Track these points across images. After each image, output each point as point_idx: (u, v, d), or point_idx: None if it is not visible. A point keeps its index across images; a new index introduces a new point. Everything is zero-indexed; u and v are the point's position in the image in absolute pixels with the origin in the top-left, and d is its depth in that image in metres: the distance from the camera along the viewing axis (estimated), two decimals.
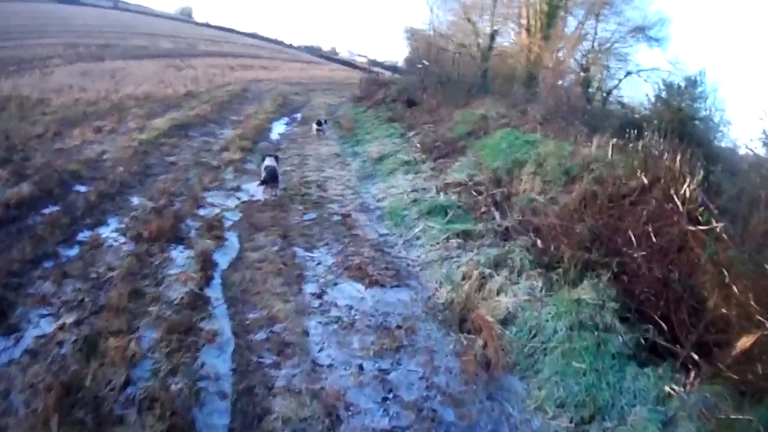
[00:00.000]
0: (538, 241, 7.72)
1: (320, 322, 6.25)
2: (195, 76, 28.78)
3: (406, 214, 10.00)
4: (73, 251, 7.13)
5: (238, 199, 10.43)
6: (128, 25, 55.14)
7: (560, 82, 24.17)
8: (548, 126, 14.05)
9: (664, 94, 16.27)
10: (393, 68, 78.04)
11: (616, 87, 24.67)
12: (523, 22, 24.77)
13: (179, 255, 7.44)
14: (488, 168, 11.66)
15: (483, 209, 9.65)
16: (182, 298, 6.24)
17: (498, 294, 6.75)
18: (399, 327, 6.32)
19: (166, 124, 15.72)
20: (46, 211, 8.26)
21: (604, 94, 24.82)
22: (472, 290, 6.87)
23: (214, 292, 6.64)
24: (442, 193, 10.74)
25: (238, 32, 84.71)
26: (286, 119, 22.19)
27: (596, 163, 9.53)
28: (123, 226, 8.13)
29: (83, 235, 7.63)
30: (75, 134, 12.87)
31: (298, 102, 28.37)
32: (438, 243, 8.55)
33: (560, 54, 25.19)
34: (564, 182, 9.74)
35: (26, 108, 14.99)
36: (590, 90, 25.07)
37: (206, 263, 7.24)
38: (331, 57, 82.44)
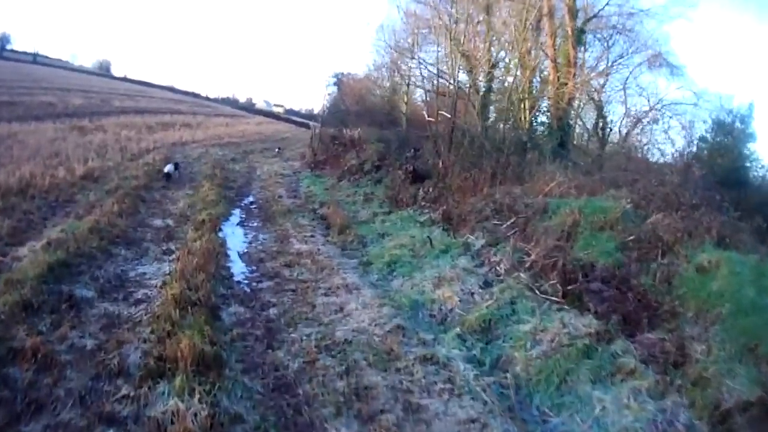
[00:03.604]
0: None
1: None
2: (103, 143, 19.39)
3: None
4: None
5: None
6: (41, 79, 44.62)
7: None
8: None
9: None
10: (309, 116, 71.36)
11: (637, 126, 18.58)
12: (549, 51, 16.83)
13: None
14: None
15: None
16: None
17: None
18: None
19: (22, 273, 6.80)
20: None
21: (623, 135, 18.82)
22: None
23: None
24: None
25: (155, 86, 74.78)
26: (237, 213, 13.38)
27: None
28: None
29: None
30: None
31: (241, 173, 19.60)
32: None
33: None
34: None
35: None
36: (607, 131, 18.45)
37: None
38: (250, 108, 74.45)
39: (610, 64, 17.90)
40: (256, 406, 4.94)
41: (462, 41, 17.26)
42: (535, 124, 17.18)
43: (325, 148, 22.84)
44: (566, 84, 15.79)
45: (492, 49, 18.44)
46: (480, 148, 13.65)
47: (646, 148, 17.34)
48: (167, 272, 7.83)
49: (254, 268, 9.10)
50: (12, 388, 4.72)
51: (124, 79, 77.49)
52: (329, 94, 30.20)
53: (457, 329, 6.41)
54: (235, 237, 10.94)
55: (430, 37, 20.54)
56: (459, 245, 9.10)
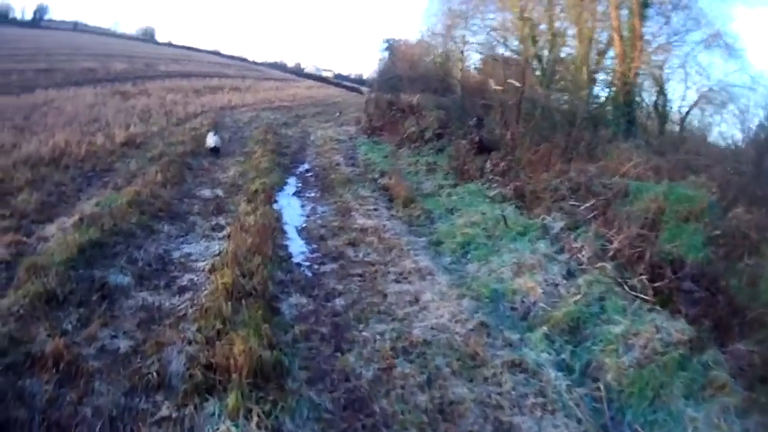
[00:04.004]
0: None
1: None
2: (147, 108, 18.52)
3: None
4: None
5: None
6: (82, 46, 43.77)
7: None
8: None
9: None
10: (359, 81, 69.68)
11: (693, 107, 16.09)
12: (614, 23, 14.92)
13: None
14: None
15: None
16: None
17: None
18: None
19: (48, 257, 5.81)
20: None
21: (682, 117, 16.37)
22: None
23: None
24: None
25: (201, 50, 73.94)
26: (293, 182, 12.25)
27: None
28: None
29: None
30: None
31: (294, 139, 18.41)
32: None
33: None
34: None
35: None
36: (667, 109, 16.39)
37: None
38: (299, 73, 73.24)
39: (669, 40, 15.74)
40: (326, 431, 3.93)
41: (524, 7, 15.52)
42: (597, 99, 15.73)
43: (382, 113, 21.25)
44: (632, 58, 14.14)
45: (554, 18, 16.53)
46: (550, 121, 12.44)
47: (705, 130, 15.61)
48: (217, 252, 6.75)
49: (315, 246, 7.92)
50: (29, 406, 3.79)
51: (169, 45, 76.73)
52: (380, 60, 28.74)
53: (544, 328, 5.45)
54: (291, 209, 9.79)
55: (491, 3, 18.84)
56: (537, 227, 7.95)
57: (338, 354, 5.00)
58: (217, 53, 75.44)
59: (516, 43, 18.51)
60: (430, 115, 17.13)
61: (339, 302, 6.10)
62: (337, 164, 14.17)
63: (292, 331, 5.23)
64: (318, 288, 6.42)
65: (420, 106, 19.25)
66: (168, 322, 5.04)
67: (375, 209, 10.03)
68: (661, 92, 16.28)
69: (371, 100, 23.40)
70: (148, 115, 16.91)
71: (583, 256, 6.80)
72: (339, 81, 67.61)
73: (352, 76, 78.76)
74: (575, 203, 8.19)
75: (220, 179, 10.92)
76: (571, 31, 15.94)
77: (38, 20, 70.08)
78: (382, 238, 8.24)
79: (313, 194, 11.15)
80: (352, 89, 54.60)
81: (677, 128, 16.03)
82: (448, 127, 15.58)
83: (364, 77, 73.45)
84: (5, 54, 28.45)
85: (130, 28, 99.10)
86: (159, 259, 6.48)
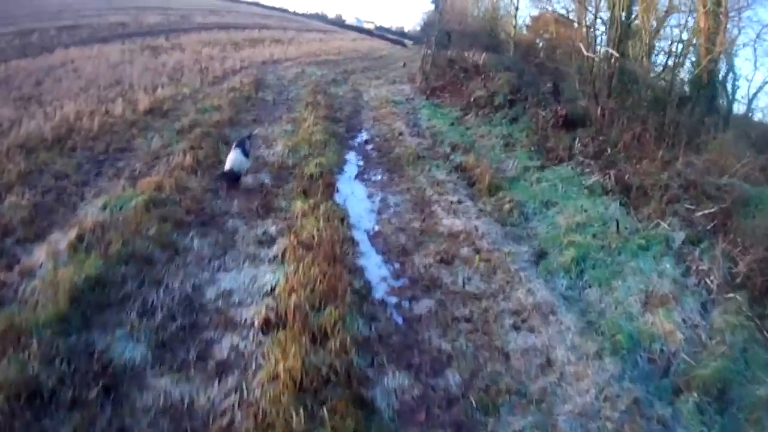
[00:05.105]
0: None
1: None
2: (179, 64, 16.37)
3: None
4: None
5: None
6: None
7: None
8: None
9: None
10: (401, 34, 66.73)
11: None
12: None
13: None
14: None
15: None
16: None
17: None
18: None
19: (27, 315, 3.86)
20: None
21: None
22: None
23: None
24: None
25: (240, 1, 71.22)
26: (353, 158, 9.99)
27: None
28: None
29: None
30: None
31: (346, 99, 16.05)
32: None
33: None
34: None
35: None
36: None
37: None
38: (341, 24, 70.62)
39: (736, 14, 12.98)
40: None
41: None
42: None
43: (441, 72, 18.86)
44: (717, 34, 11.74)
45: None
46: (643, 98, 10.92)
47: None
48: (269, 289, 4.68)
49: (398, 266, 5.84)
50: None
51: None
52: (425, 12, 27.01)
53: (694, 395, 4.12)
54: (357, 201, 7.68)
55: None
56: (658, 239, 6.30)
57: None
58: (257, 4, 72.57)
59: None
60: (500, 78, 14.84)
61: (452, 377, 4.11)
62: (400, 134, 11.93)
63: None
64: (418, 349, 4.37)
65: (487, 66, 16.87)
66: None
67: (458, 201, 8.03)
68: (732, 70, 13.78)
69: (428, 56, 20.88)
70: (180, 74, 14.79)
71: (711, 282, 5.48)
72: (382, 33, 65.33)
73: (394, 29, 75.95)
74: (690, 206, 6.78)
75: (264, 157, 8.80)
76: None
77: None
78: (480, 250, 6.31)
79: (379, 176, 9.01)
80: (396, 42, 52.49)
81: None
82: (520, 92, 13.45)
83: (406, 30, 71.22)
84: (28, 13, 26.51)
85: None
86: (186, 304, 4.44)
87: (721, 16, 11.87)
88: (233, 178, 6.98)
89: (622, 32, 12.47)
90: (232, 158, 7.07)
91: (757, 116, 13.90)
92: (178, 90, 12.34)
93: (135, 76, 12.99)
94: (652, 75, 12.93)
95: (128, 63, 15.04)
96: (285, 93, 15.05)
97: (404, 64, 26.51)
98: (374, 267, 5.75)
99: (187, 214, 6.02)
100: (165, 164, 7.41)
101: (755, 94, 14.14)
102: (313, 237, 5.59)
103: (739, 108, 14.00)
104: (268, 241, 5.72)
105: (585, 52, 12.28)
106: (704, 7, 11.92)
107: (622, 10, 12.52)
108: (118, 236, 5.01)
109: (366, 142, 11.38)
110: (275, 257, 5.34)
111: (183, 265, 5.03)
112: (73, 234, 5.01)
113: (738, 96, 13.89)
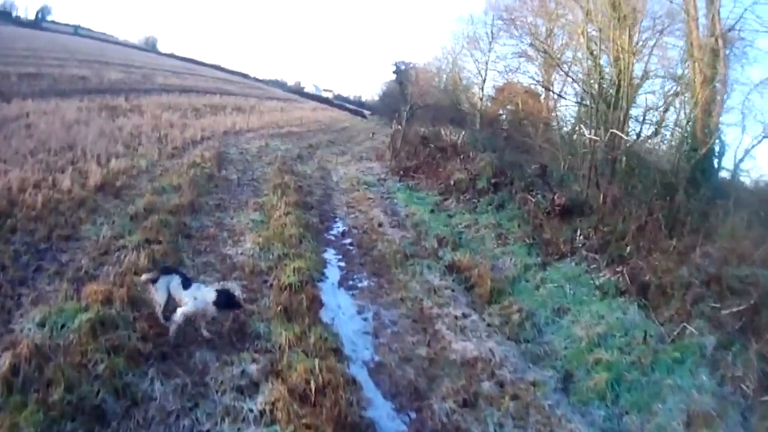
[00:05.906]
0: None
1: None
2: (137, 130, 15.17)
3: None
4: None
5: None
6: (77, 51, 40.01)
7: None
8: None
9: None
10: (359, 104, 67.62)
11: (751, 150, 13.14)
12: (696, 53, 11.84)
13: None
14: None
15: None
16: None
17: None
18: None
19: None
20: None
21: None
22: None
23: None
24: None
25: (202, 63, 71.13)
26: (332, 257, 8.96)
27: None
28: None
29: None
30: None
31: (314, 179, 15.14)
32: None
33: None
34: None
35: None
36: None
37: None
38: (300, 92, 71.34)
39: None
40: None
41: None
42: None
43: (413, 150, 18.38)
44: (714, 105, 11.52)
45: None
46: (646, 180, 10.30)
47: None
48: None
49: (413, 416, 4.93)
50: None
51: (171, 56, 73.68)
52: (385, 82, 27.72)
53: None
54: (346, 319, 6.61)
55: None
56: (692, 349, 5.79)
57: None
58: (218, 68, 72.71)
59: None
60: (481, 159, 14.27)
61: None
62: (380, 224, 11.05)
63: None
64: None
65: (466, 145, 16.44)
66: None
67: (462, 314, 7.15)
68: (718, 138, 13.61)
69: (398, 132, 20.46)
70: (138, 141, 13.58)
71: (747, 387, 5.21)
72: (341, 103, 66.38)
73: (352, 98, 77.27)
74: (715, 304, 6.25)
75: (232, 257, 7.60)
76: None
77: (40, 21, 68.87)
78: (503, 383, 5.55)
79: (365, 282, 8.02)
80: (356, 113, 52.95)
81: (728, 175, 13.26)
82: (505, 175, 12.93)
83: (364, 99, 72.57)
84: None
85: (134, 36, 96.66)
86: None
87: (718, 84, 11.66)
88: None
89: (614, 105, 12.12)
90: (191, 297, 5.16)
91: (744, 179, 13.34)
92: (134, 162, 11.11)
93: (89, 141, 11.69)
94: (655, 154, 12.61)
95: (84, 124, 13.73)
96: (250, 171, 14.02)
97: (372, 135, 27.48)
98: (386, 420, 4.65)
99: (143, 342, 4.74)
100: (116, 264, 6.15)
101: (742, 159, 13.89)
102: (308, 383, 4.41)
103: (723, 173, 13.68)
104: (250, 386, 4.50)
105: (588, 135, 11.87)
106: (702, 76, 11.48)
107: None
108: (60, 375, 3.72)
109: (343, 234, 10.41)
110: (262, 414, 4.13)
111: (144, 425, 3.74)
112: (6, 362, 3.69)
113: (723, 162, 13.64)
